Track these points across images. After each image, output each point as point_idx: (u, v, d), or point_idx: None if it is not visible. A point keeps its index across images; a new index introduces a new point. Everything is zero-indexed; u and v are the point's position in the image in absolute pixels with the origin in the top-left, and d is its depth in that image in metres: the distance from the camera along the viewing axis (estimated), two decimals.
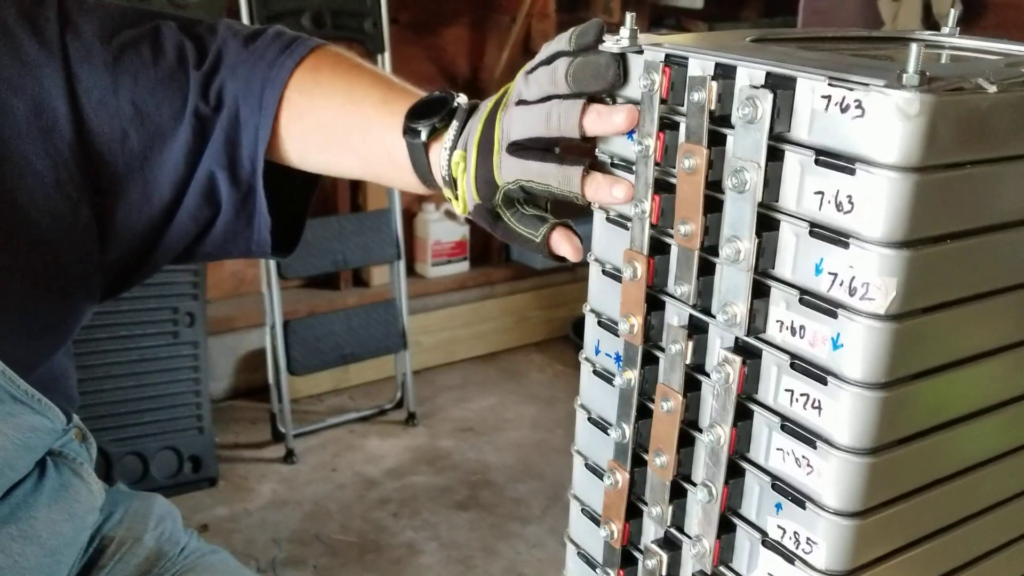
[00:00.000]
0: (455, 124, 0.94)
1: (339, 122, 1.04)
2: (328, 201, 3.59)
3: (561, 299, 4.13)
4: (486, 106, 0.92)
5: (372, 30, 3.19)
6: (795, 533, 0.75)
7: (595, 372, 0.92)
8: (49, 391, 1.06)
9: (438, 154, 0.95)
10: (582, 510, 0.96)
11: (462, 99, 0.97)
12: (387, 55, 3.23)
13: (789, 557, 0.76)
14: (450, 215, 3.86)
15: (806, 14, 3.43)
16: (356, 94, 1.04)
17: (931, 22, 3.16)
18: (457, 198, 0.95)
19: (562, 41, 0.85)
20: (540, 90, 0.86)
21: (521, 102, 0.88)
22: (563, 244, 0.88)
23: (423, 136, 0.96)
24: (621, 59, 0.82)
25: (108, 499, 1.24)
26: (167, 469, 2.92)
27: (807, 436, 0.73)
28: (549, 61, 0.85)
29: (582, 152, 0.86)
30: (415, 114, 0.97)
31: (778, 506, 0.76)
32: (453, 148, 0.94)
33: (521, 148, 0.87)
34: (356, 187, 3.63)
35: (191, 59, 1.03)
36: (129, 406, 2.86)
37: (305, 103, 1.03)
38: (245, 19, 2.94)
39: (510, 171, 0.88)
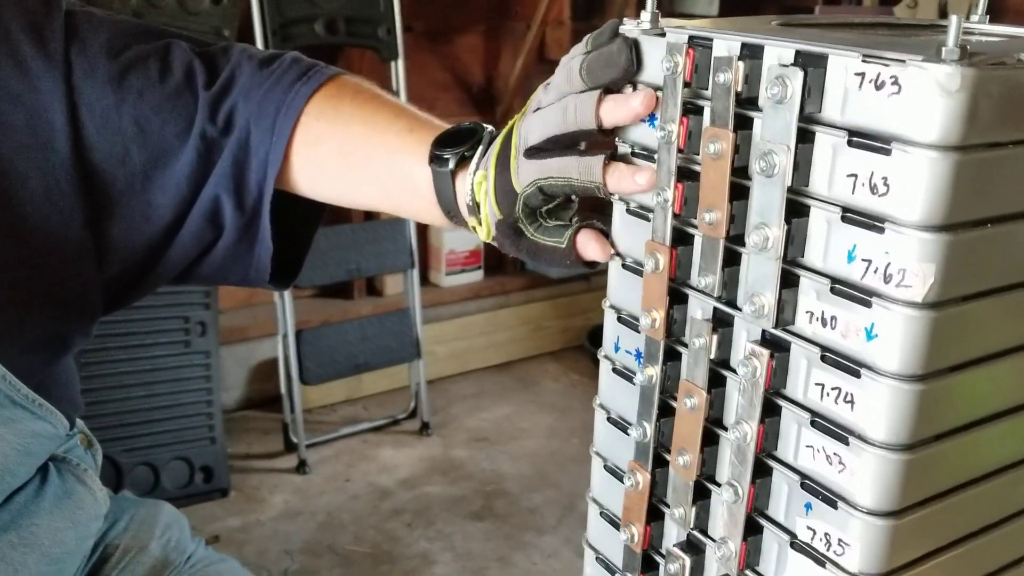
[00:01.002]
0: (480, 149, 0.92)
1: (360, 150, 1.01)
2: (342, 209, 3.56)
3: (577, 308, 4.10)
4: (508, 124, 0.90)
5: (386, 37, 3.17)
6: (826, 534, 0.72)
7: (614, 370, 0.89)
8: (51, 396, 1.04)
9: (464, 182, 0.92)
10: (601, 513, 0.93)
11: (491, 128, 0.95)
12: (401, 62, 3.22)
13: (820, 560, 0.73)
14: None
15: None
16: (380, 123, 1.01)
17: None
18: (480, 223, 0.91)
19: (579, 47, 0.83)
20: (558, 92, 0.83)
21: (539, 109, 0.85)
22: (590, 243, 0.85)
23: (450, 164, 0.92)
24: (634, 45, 0.79)
25: (113, 506, 1.22)
26: (178, 479, 2.90)
27: (839, 432, 0.69)
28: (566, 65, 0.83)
29: (605, 148, 0.83)
30: (442, 143, 0.94)
31: (808, 506, 0.73)
32: (476, 171, 0.91)
33: (539, 151, 0.84)
34: None
35: (200, 79, 1.01)
36: (140, 416, 2.84)
37: (324, 129, 1.00)
38: (257, 25, 2.93)
39: (528, 173, 0.85)
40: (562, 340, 4.11)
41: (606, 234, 0.86)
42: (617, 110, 0.80)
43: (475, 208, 0.91)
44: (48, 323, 1.01)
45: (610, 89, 0.81)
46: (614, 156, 0.83)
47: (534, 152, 0.85)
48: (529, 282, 4.05)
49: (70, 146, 0.96)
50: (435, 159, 0.94)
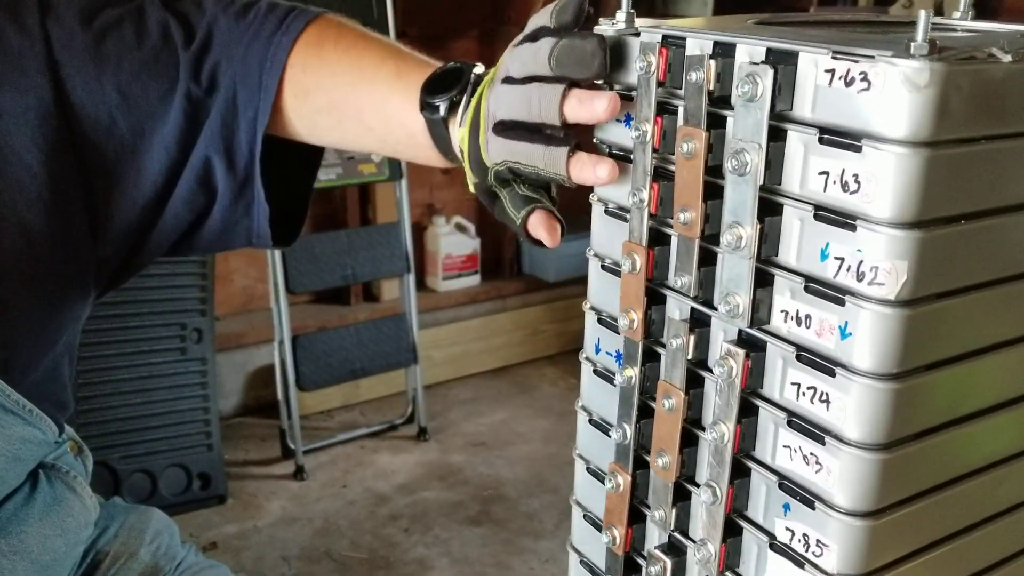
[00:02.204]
0: (465, 99, 0.90)
1: (351, 100, 0.99)
2: (337, 215, 3.57)
3: (573, 312, 4.09)
4: (483, 82, 0.88)
5: None
6: (804, 535, 0.71)
7: (595, 372, 0.89)
8: (40, 401, 1.03)
9: (455, 128, 0.91)
10: (584, 516, 0.92)
11: (479, 68, 0.92)
12: None
13: (799, 561, 0.72)
14: (461, 228, 3.83)
15: None
16: (366, 70, 0.99)
17: None
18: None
19: (544, 15, 0.81)
20: (523, 68, 0.82)
21: (507, 79, 0.84)
22: (539, 227, 0.85)
23: (441, 111, 0.91)
24: (608, 46, 0.77)
25: (104, 513, 1.22)
26: (176, 486, 2.89)
27: (815, 432, 0.69)
28: (534, 37, 0.82)
29: (571, 138, 0.81)
30: (431, 88, 0.93)
31: (786, 507, 0.72)
32: (461, 124, 0.90)
33: (508, 128, 0.83)
34: (365, 200, 3.60)
35: (178, 38, 0.99)
36: (137, 423, 2.84)
37: (311, 81, 0.99)
38: None
39: (497, 152, 0.84)
40: (559, 344, 4.10)
41: (559, 219, 0.85)
42: (581, 110, 0.78)
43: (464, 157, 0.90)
44: (43, 306, 0.99)
45: (577, 82, 0.79)
46: (579, 146, 0.81)
47: (501, 129, 0.83)
48: (526, 286, 4.04)
49: (60, 120, 0.95)
50: (425, 106, 0.92)
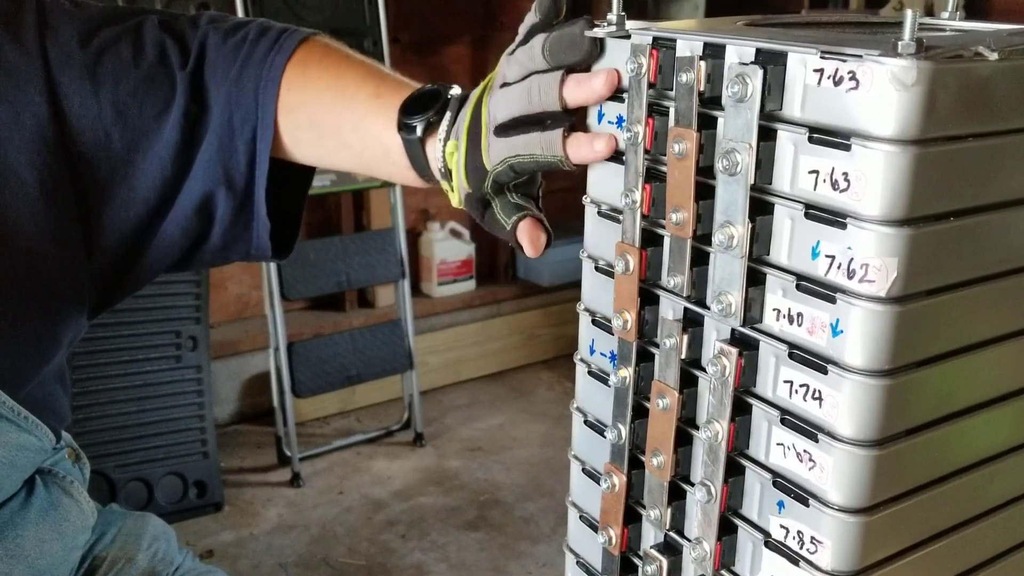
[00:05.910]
0: (448, 116, 0.93)
1: (330, 118, 1.01)
2: (331, 221, 3.57)
3: (569, 316, 4.06)
4: (475, 93, 0.91)
5: (372, 49, 3.17)
6: (799, 532, 0.72)
7: (590, 373, 0.89)
8: (36, 409, 1.04)
9: (434, 148, 0.94)
10: (580, 517, 0.93)
11: (455, 90, 0.96)
12: None
13: (793, 558, 0.73)
14: (455, 234, 3.83)
15: None
16: (347, 89, 1.01)
17: None
18: (452, 189, 0.93)
19: (530, 16, 0.85)
20: (521, 69, 0.85)
21: (504, 84, 0.87)
22: (524, 236, 0.88)
23: (418, 132, 0.94)
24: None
25: (101, 519, 1.22)
26: (172, 495, 2.89)
27: (808, 429, 0.70)
28: (526, 40, 0.84)
29: (564, 121, 0.83)
30: (409, 109, 0.95)
31: (780, 504, 0.73)
32: (447, 139, 0.92)
33: (508, 128, 0.85)
34: (359, 207, 3.61)
35: (174, 58, 1.01)
36: (132, 431, 2.84)
37: (294, 99, 1.01)
38: None
39: (498, 152, 0.86)
40: (555, 348, 4.10)
41: (547, 229, 0.89)
42: (579, 91, 0.81)
43: (447, 174, 0.93)
44: (38, 320, 1.00)
45: (572, 68, 0.82)
46: (574, 128, 0.83)
47: (502, 130, 0.86)
48: (521, 291, 4.05)
49: (56, 136, 0.96)
50: (403, 127, 0.95)
